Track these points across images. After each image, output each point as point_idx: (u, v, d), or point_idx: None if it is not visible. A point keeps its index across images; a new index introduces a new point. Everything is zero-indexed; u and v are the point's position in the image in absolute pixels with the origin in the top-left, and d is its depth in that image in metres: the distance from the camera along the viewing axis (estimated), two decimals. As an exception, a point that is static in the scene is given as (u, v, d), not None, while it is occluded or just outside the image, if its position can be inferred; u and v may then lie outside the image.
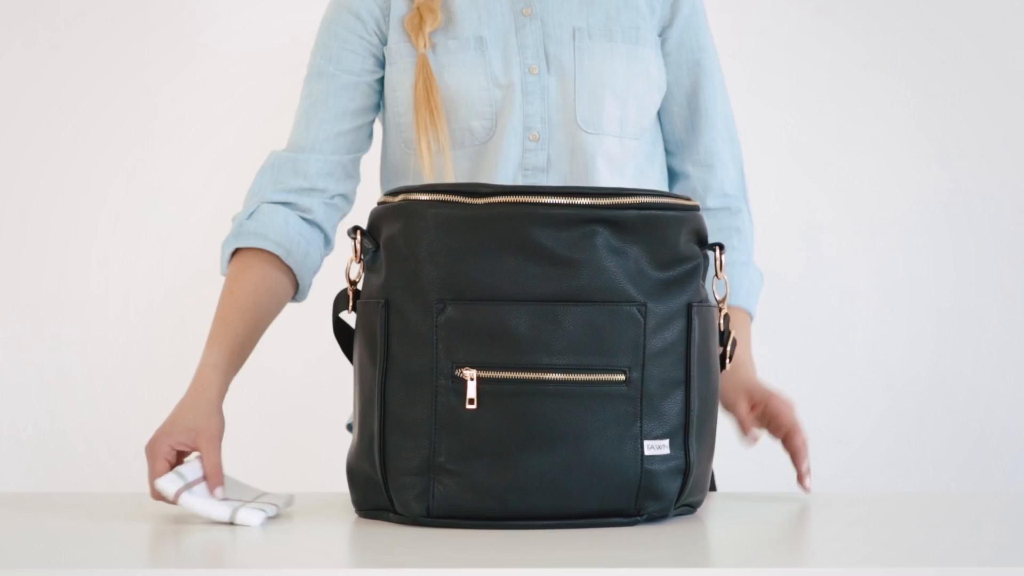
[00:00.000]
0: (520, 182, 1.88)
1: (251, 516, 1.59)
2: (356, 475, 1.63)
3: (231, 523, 1.59)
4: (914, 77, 3.32)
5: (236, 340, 1.80)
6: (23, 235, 3.28)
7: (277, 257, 1.87)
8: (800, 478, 1.80)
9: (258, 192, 1.91)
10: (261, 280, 1.86)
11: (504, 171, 1.89)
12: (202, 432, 1.69)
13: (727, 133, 2.01)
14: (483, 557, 1.39)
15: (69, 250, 3.28)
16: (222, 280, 1.89)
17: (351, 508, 1.67)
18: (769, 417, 1.84)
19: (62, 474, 3.24)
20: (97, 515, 1.68)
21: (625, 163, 1.92)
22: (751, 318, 1.97)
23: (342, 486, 1.71)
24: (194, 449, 1.69)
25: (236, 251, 1.88)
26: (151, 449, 1.68)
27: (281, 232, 1.88)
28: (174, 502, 1.62)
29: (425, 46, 1.88)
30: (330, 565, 1.39)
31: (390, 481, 1.58)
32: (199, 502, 1.62)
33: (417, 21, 1.88)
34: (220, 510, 1.60)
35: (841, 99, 3.32)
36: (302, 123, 1.94)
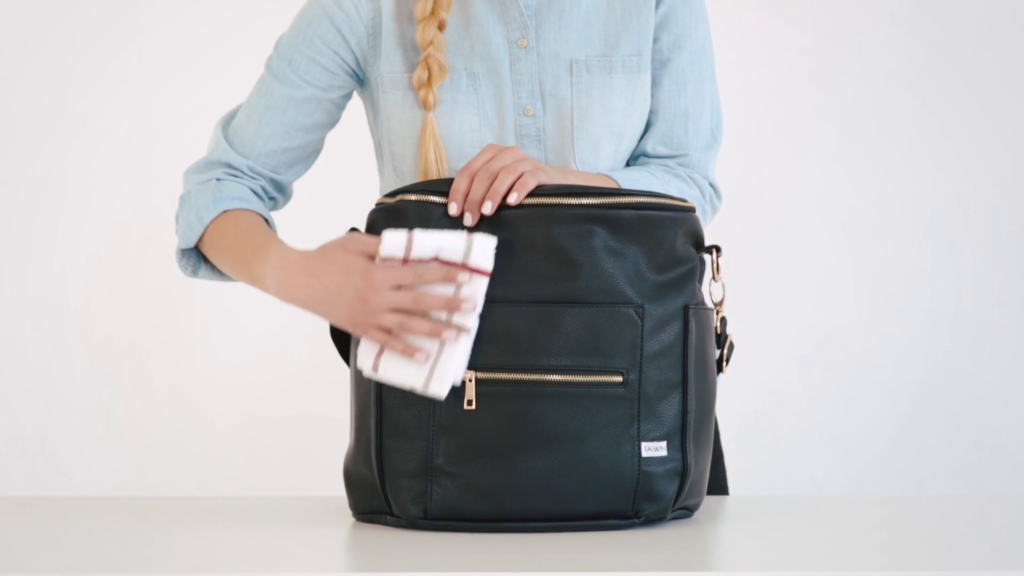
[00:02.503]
0: None
1: (486, 239, 1.53)
2: (353, 478, 1.63)
3: (466, 250, 1.54)
4: (911, 80, 3.33)
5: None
6: (25, 239, 3.29)
7: (260, 216, 1.79)
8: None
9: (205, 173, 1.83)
10: (261, 221, 1.78)
11: None
12: (350, 241, 1.61)
13: (709, 123, 1.85)
14: (480, 560, 1.39)
15: (71, 253, 3.28)
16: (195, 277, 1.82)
17: (348, 512, 1.67)
18: None
19: (64, 477, 3.24)
20: (98, 519, 1.68)
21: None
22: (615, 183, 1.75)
23: (339, 490, 1.71)
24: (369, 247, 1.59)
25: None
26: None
27: (254, 197, 1.82)
28: (407, 250, 1.55)
29: (433, 105, 1.76)
30: (327, 569, 1.39)
31: (387, 483, 1.58)
32: (433, 232, 1.55)
33: (425, 77, 1.76)
34: (454, 236, 1.55)
35: (838, 102, 3.33)
36: (253, 124, 1.82)
